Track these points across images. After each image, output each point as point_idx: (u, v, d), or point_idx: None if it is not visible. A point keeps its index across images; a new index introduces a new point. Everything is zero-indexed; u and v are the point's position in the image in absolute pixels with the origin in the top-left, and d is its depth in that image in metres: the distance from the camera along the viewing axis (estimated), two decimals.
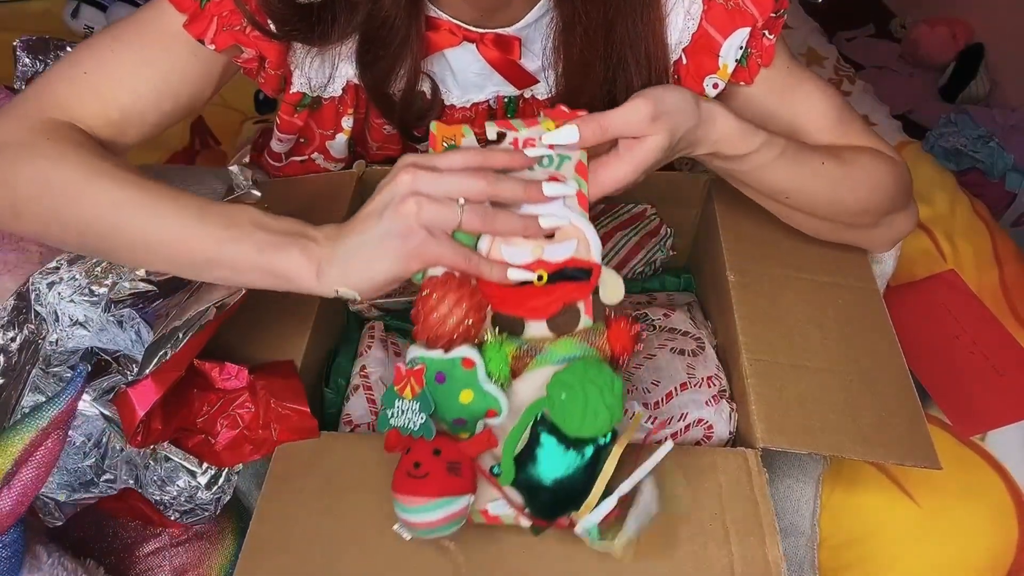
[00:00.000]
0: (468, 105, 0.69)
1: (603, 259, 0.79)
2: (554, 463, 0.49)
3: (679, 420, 0.62)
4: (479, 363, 0.49)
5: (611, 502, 0.49)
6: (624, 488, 0.49)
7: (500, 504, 0.50)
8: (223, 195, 0.69)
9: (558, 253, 0.51)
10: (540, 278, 0.51)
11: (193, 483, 0.57)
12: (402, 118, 0.68)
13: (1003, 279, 1.03)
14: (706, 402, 0.62)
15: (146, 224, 0.53)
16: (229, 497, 0.58)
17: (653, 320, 0.71)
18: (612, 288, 0.52)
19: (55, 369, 0.58)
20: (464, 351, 0.49)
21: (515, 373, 0.51)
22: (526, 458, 0.49)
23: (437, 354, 0.49)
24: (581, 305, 0.52)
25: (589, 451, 0.49)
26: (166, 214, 0.53)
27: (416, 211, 0.48)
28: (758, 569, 0.50)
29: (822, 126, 0.67)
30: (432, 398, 0.49)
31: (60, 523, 0.56)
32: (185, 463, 0.57)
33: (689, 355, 0.67)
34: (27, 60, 1.25)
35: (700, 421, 0.62)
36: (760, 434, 0.56)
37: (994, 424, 0.84)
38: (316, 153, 0.75)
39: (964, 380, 0.87)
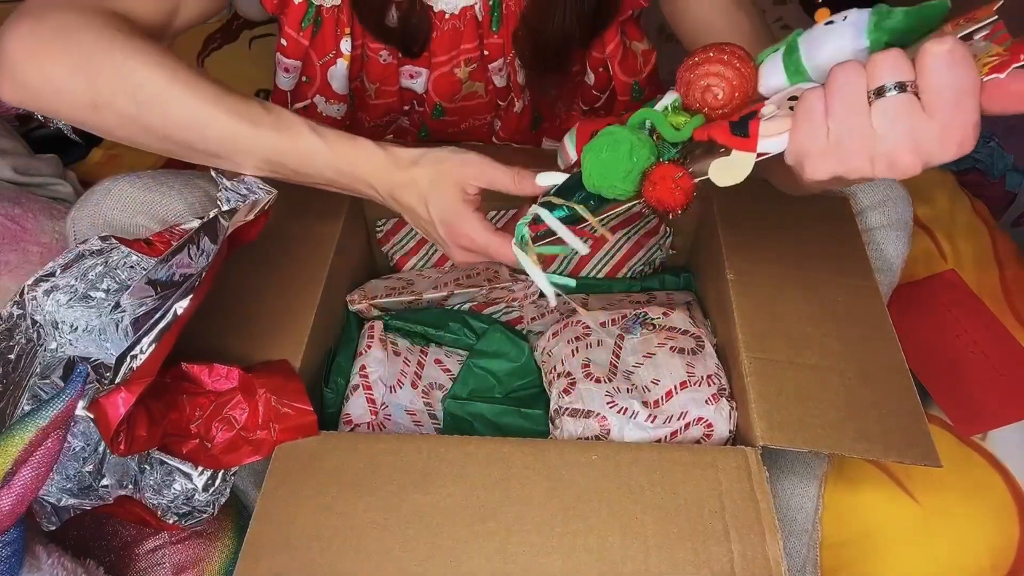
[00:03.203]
0: (457, 11, 0.72)
1: (600, 260, 0.81)
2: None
3: (679, 419, 0.62)
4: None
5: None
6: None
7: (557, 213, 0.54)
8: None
9: (768, 146, 0.45)
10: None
11: (189, 486, 0.56)
12: (402, 37, 0.71)
13: (1003, 279, 1.03)
14: (706, 400, 0.62)
15: (236, 132, 0.56)
16: (226, 498, 0.58)
17: (653, 319, 0.71)
18: (731, 171, 0.47)
19: (44, 382, 0.58)
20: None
21: None
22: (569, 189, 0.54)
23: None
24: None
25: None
26: (260, 125, 0.57)
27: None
28: (758, 567, 0.50)
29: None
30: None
31: (54, 527, 0.56)
32: (180, 466, 0.56)
33: (689, 354, 0.67)
34: None
35: (700, 419, 0.62)
36: (760, 432, 0.56)
37: (994, 424, 0.84)
38: (318, 95, 0.78)
39: (964, 380, 0.87)
